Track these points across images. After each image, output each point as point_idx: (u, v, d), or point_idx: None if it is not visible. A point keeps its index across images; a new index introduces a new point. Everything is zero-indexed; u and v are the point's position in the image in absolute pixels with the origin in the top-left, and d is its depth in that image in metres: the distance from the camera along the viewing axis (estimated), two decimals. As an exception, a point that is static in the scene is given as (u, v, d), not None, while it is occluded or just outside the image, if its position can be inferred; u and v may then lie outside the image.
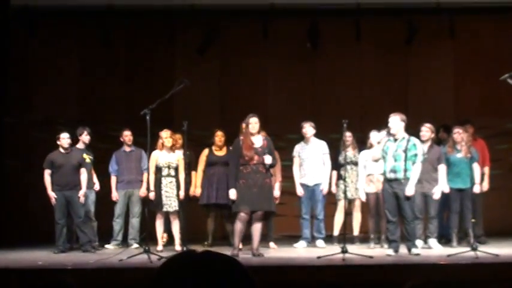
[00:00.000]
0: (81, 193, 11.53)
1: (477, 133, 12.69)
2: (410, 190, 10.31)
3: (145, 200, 11.83)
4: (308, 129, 12.24)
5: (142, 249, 10.07)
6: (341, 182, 12.18)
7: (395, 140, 10.44)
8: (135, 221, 12.38)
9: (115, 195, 12.39)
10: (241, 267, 1.84)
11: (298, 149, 12.33)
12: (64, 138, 11.55)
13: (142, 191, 12.13)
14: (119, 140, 12.57)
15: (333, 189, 12.52)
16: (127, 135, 12.47)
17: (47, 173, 11.53)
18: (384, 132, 10.61)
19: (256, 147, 10.51)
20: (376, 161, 10.99)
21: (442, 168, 11.56)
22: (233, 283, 1.78)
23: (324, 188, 12.19)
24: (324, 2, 14.26)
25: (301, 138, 12.43)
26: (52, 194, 11.48)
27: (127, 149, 12.52)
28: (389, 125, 10.44)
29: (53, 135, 11.83)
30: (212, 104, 14.68)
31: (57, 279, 2.80)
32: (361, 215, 12.42)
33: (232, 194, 10.45)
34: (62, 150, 11.58)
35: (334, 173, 12.51)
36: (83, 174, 11.63)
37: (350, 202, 12.29)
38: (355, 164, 12.19)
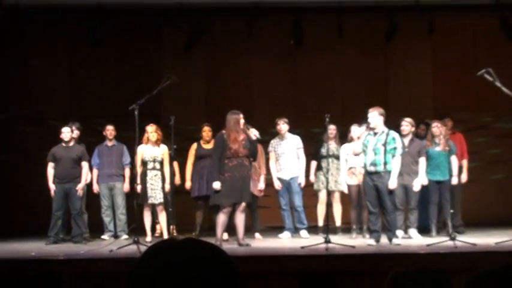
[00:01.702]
0: (80, 186, 11.74)
1: (456, 127, 12.94)
2: (392, 183, 10.44)
3: (129, 194, 12.11)
4: (283, 125, 12.38)
5: (132, 240, 10.15)
6: (320, 173, 12.39)
7: (375, 134, 10.57)
8: (120, 213, 12.56)
9: (96, 187, 12.59)
10: (223, 253, 1.80)
11: (274, 144, 12.47)
12: (64, 132, 11.78)
13: (126, 186, 12.45)
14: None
15: (312, 178, 12.68)
16: (109, 130, 12.68)
17: (50, 166, 11.76)
18: (364, 127, 10.79)
19: (240, 140, 10.62)
20: (357, 155, 11.08)
21: (422, 161, 11.76)
22: (215, 270, 1.74)
23: (302, 182, 12.33)
24: (307, 0, 14.44)
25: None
26: (52, 186, 11.70)
27: (109, 143, 12.73)
28: (369, 119, 10.56)
29: (44, 131, 12.00)
30: (199, 100, 14.83)
31: (48, 270, 2.93)
32: (341, 206, 12.56)
33: (217, 185, 10.51)
34: (63, 143, 11.83)
35: (314, 163, 12.68)
36: (84, 167, 11.86)
37: (329, 194, 12.38)
38: (337, 157, 12.32)
